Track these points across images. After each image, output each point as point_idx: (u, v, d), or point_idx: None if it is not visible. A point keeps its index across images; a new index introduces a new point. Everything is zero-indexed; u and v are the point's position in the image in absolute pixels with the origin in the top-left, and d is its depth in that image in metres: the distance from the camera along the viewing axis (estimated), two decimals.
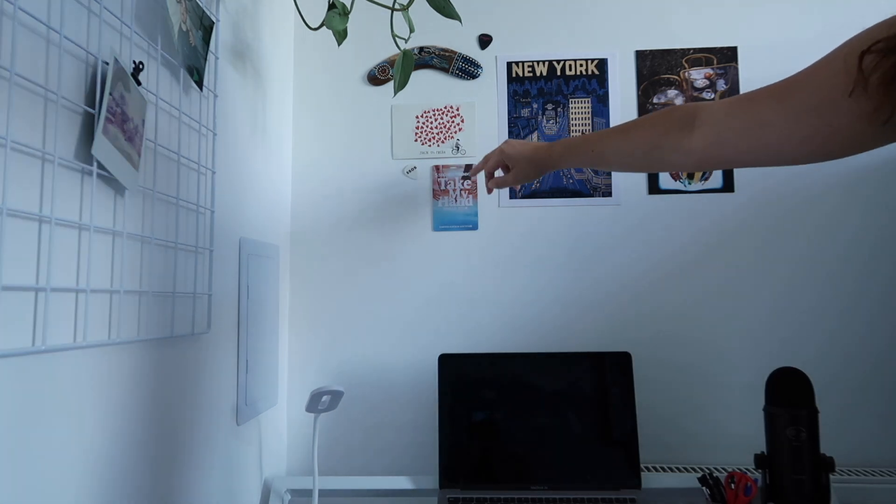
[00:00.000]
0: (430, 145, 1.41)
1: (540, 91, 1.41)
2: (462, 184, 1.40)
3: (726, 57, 1.39)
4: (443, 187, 1.40)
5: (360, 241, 1.40)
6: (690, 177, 1.37)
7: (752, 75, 1.38)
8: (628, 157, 0.88)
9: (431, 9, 1.06)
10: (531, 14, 1.43)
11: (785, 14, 1.39)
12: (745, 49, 1.39)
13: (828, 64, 0.61)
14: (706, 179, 1.37)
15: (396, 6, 1.05)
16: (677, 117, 0.79)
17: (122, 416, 0.72)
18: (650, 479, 1.18)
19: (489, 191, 1.17)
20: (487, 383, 1.22)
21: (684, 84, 1.39)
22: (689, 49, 1.40)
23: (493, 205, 1.39)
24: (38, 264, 0.59)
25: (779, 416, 1.02)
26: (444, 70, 1.42)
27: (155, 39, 0.80)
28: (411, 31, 1.11)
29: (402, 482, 1.20)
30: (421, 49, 1.42)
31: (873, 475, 1.22)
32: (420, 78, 1.42)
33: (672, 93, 1.39)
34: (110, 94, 0.67)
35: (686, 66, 1.39)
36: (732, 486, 1.07)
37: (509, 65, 1.42)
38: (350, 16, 1.06)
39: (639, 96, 1.40)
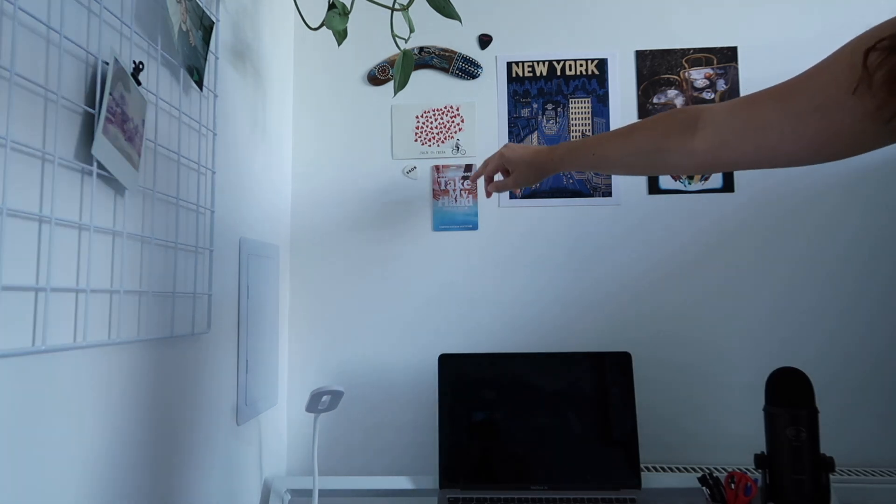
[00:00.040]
0: (430, 145, 1.41)
1: (540, 91, 1.41)
2: (462, 184, 1.40)
3: (726, 57, 1.39)
4: (443, 187, 1.40)
5: (360, 242, 1.40)
6: (690, 177, 1.37)
7: (752, 75, 1.38)
8: (630, 159, 0.87)
9: (431, 9, 1.06)
10: (531, 14, 1.43)
11: (785, 14, 1.39)
12: (745, 49, 1.39)
13: (831, 64, 0.61)
14: (706, 179, 1.37)
15: (396, 6, 1.05)
16: (679, 119, 0.79)
17: (122, 416, 0.72)
18: (650, 479, 1.18)
19: (488, 195, 1.17)
20: (487, 383, 1.22)
21: (684, 84, 1.39)
22: (689, 49, 1.40)
23: (493, 205, 1.39)
24: (38, 264, 0.59)
25: (779, 416, 1.02)
26: (444, 70, 1.42)
27: (155, 39, 0.80)
28: (411, 31, 1.11)
29: (402, 482, 1.20)
30: (421, 49, 1.42)
31: (873, 475, 1.22)
32: (420, 78, 1.42)
33: (672, 93, 1.39)
34: (110, 94, 0.67)
35: (686, 66, 1.39)
36: (732, 486, 1.07)
37: (509, 65, 1.42)
38: (350, 16, 1.06)
39: (639, 96, 1.40)
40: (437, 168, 1.40)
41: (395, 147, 1.41)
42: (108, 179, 0.70)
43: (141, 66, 0.75)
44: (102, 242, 0.69)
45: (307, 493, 1.20)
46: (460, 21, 1.07)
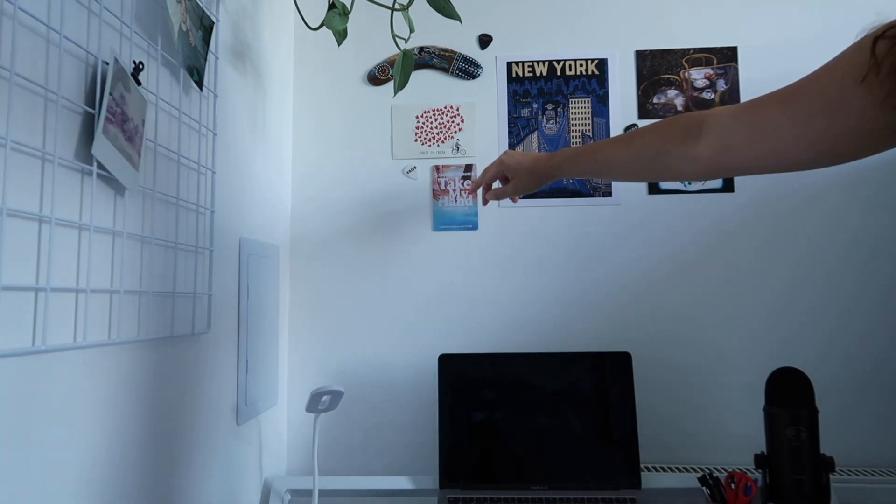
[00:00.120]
0: (430, 145, 1.41)
1: (540, 91, 1.41)
2: (462, 184, 1.40)
3: (726, 57, 1.39)
4: (443, 187, 1.40)
5: (360, 242, 1.40)
6: None
7: (752, 75, 1.38)
8: (632, 165, 0.87)
9: (431, 9, 1.06)
10: (531, 14, 1.43)
11: (785, 14, 1.39)
12: (745, 49, 1.39)
13: (835, 66, 0.61)
14: (706, 180, 1.37)
15: (396, 6, 1.05)
16: (683, 125, 0.78)
17: (122, 416, 0.72)
18: (650, 479, 1.18)
19: (485, 202, 1.15)
20: (487, 383, 1.22)
21: (684, 84, 1.39)
22: (689, 49, 1.40)
23: (493, 205, 1.39)
24: (38, 264, 0.59)
25: (779, 416, 1.02)
26: (444, 70, 1.42)
27: (155, 39, 0.80)
28: (411, 31, 1.11)
29: (402, 482, 1.20)
30: (421, 49, 1.42)
31: (873, 475, 1.22)
32: (420, 78, 1.42)
33: (672, 93, 1.39)
34: (110, 94, 0.67)
35: (686, 66, 1.39)
36: (732, 486, 1.07)
37: (509, 65, 1.42)
38: (350, 16, 1.06)
39: (639, 96, 1.40)
40: (437, 168, 1.40)
41: (395, 147, 1.41)
42: (108, 179, 0.70)
43: (141, 66, 0.75)
44: (102, 242, 0.69)
45: (307, 493, 1.20)
46: (460, 21, 1.07)
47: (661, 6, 1.41)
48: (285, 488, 1.21)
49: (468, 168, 1.40)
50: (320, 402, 1.07)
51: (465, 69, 1.41)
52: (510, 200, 1.26)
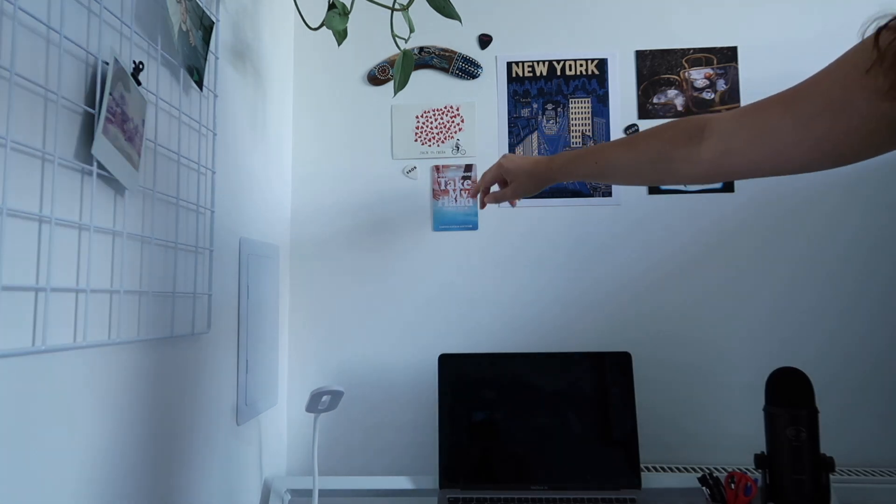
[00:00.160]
0: (430, 145, 1.41)
1: (540, 91, 1.41)
2: (462, 184, 1.40)
3: (726, 57, 1.39)
4: (443, 187, 1.40)
5: (360, 242, 1.40)
6: None
7: (752, 75, 1.38)
8: (634, 168, 0.86)
9: (431, 9, 1.06)
10: (531, 14, 1.43)
11: (785, 14, 1.39)
12: (745, 49, 1.39)
13: (837, 67, 0.61)
14: None
15: (396, 6, 1.05)
16: (685, 128, 0.78)
17: (122, 416, 0.72)
18: (650, 479, 1.18)
19: (482, 205, 1.14)
20: (487, 383, 1.22)
21: (684, 84, 1.39)
22: (689, 49, 1.40)
23: (493, 205, 1.39)
24: (38, 264, 0.59)
25: (779, 416, 1.02)
26: (444, 70, 1.42)
27: (155, 39, 0.80)
28: (411, 31, 1.11)
29: (402, 482, 1.20)
30: (421, 49, 1.42)
31: (873, 475, 1.22)
32: (420, 78, 1.42)
33: (672, 93, 1.39)
34: (110, 94, 0.67)
35: (686, 66, 1.39)
36: (732, 486, 1.07)
37: (509, 65, 1.42)
38: (350, 16, 1.06)
39: (639, 96, 1.40)
40: (437, 168, 1.40)
41: (395, 147, 1.41)
42: (108, 179, 0.70)
43: (141, 66, 0.75)
44: (102, 242, 0.69)
45: (307, 493, 1.20)
46: (460, 21, 1.07)
47: (661, 6, 1.41)
48: (285, 488, 1.21)
49: (468, 168, 1.40)
50: (320, 402, 1.07)
51: (465, 69, 1.41)
52: (509, 203, 1.25)
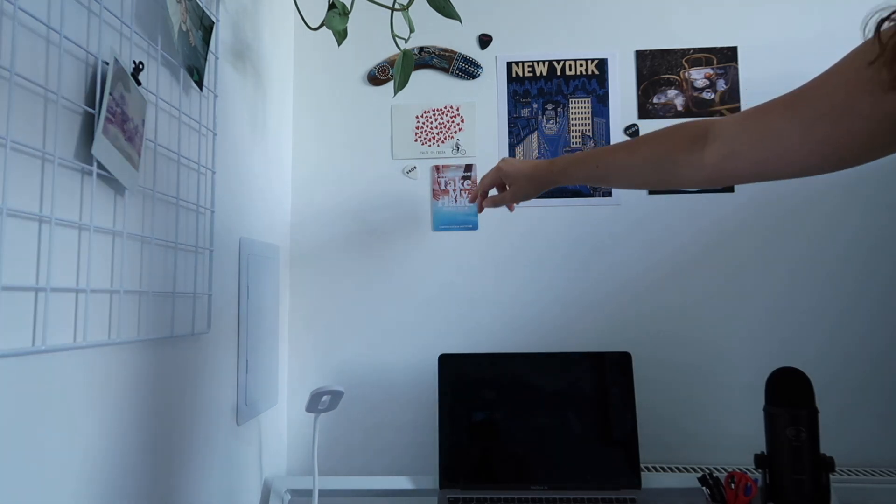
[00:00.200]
0: (430, 145, 1.41)
1: (540, 91, 1.41)
2: (462, 184, 1.40)
3: (726, 57, 1.39)
4: (443, 187, 1.40)
5: (360, 242, 1.40)
6: None
7: (752, 75, 1.38)
8: (636, 172, 0.86)
9: (431, 9, 1.06)
10: (531, 14, 1.43)
11: (785, 14, 1.39)
12: (745, 49, 1.39)
13: (839, 70, 0.61)
14: None
15: (396, 6, 1.05)
16: (688, 132, 0.78)
17: (122, 416, 0.72)
18: (650, 479, 1.18)
19: (480, 209, 1.13)
20: (487, 383, 1.22)
21: (684, 84, 1.39)
22: (689, 49, 1.40)
23: None
24: (38, 264, 0.59)
25: (779, 416, 1.02)
26: (444, 70, 1.42)
27: (155, 39, 0.80)
28: (411, 31, 1.11)
29: (402, 482, 1.20)
30: (421, 49, 1.42)
31: (873, 475, 1.22)
32: (420, 78, 1.42)
33: (672, 93, 1.39)
34: (110, 94, 0.67)
35: (686, 66, 1.39)
36: (732, 486, 1.07)
37: (509, 65, 1.42)
38: (350, 16, 1.06)
39: (639, 96, 1.40)
40: (437, 168, 1.40)
41: (395, 147, 1.41)
42: (108, 179, 0.70)
43: (141, 66, 0.75)
44: (102, 242, 0.69)
45: (307, 493, 1.20)
46: (460, 21, 1.07)
47: (661, 6, 1.41)
48: (285, 488, 1.21)
49: (468, 168, 1.40)
50: (320, 402, 1.07)
51: (465, 69, 1.41)
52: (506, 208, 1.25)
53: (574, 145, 1.40)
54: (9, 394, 0.55)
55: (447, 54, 1.42)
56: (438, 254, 1.39)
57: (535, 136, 1.40)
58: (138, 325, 0.76)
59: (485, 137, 1.41)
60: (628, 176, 0.89)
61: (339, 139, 1.43)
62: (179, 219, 0.87)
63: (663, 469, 1.26)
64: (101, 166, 0.67)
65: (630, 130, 1.39)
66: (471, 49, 1.42)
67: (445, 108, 1.42)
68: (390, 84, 1.42)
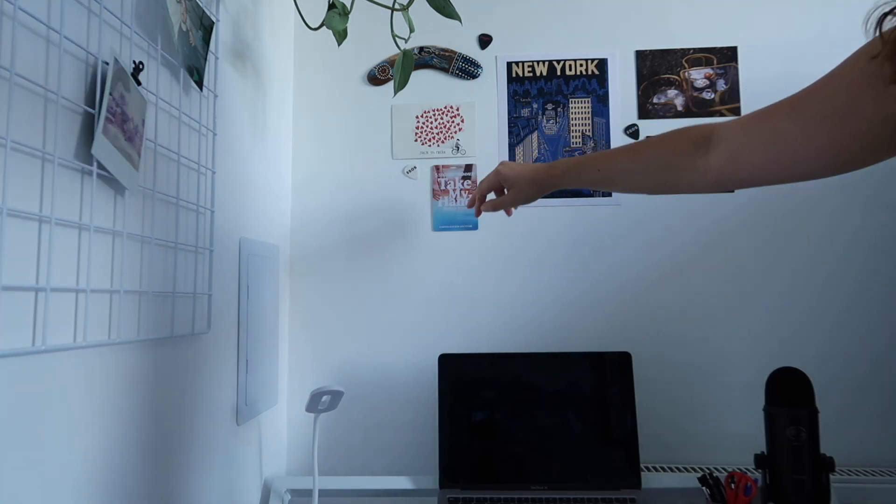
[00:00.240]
0: (430, 145, 1.41)
1: (540, 91, 1.41)
2: (462, 184, 1.40)
3: (726, 57, 1.39)
4: (443, 187, 1.40)
5: (360, 242, 1.40)
6: None
7: (752, 75, 1.38)
8: (638, 177, 0.85)
9: (431, 9, 1.06)
10: (531, 14, 1.43)
11: (785, 14, 1.39)
12: (745, 49, 1.39)
13: (842, 72, 0.61)
14: None
15: (396, 6, 1.05)
16: (691, 137, 0.78)
17: (122, 416, 0.72)
18: (650, 479, 1.18)
19: (478, 213, 1.12)
20: (487, 383, 1.22)
21: (684, 84, 1.39)
22: (689, 49, 1.40)
23: None
24: (38, 264, 0.59)
25: (779, 416, 1.02)
26: (444, 70, 1.42)
27: (155, 39, 0.80)
28: (411, 31, 1.11)
29: (402, 482, 1.20)
30: (421, 49, 1.42)
31: (873, 475, 1.22)
32: (420, 78, 1.42)
33: (672, 93, 1.39)
34: (110, 94, 0.67)
35: (686, 66, 1.39)
36: (732, 486, 1.07)
37: (509, 65, 1.42)
38: (350, 16, 1.06)
39: (639, 96, 1.40)
40: (437, 168, 1.40)
41: (395, 147, 1.41)
42: (108, 179, 0.70)
43: (141, 66, 0.75)
44: (102, 242, 0.69)
45: (307, 493, 1.20)
46: (460, 21, 1.07)
47: (661, 6, 1.41)
48: (285, 488, 1.21)
49: (468, 168, 1.40)
50: (320, 402, 1.07)
51: (465, 69, 1.41)
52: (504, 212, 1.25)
53: (574, 145, 1.40)
54: (9, 394, 0.55)
55: (447, 54, 1.42)
56: (438, 254, 1.39)
57: (535, 136, 1.40)
58: (138, 325, 0.76)
59: (485, 137, 1.41)
60: (630, 181, 0.88)
61: (339, 139, 1.43)
62: (179, 219, 0.87)
63: (663, 469, 1.26)
64: (101, 166, 0.67)
65: (630, 130, 1.39)
66: (471, 49, 1.42)
67: (445, 108, 1.42)
68: (390, 84, 1.42)
